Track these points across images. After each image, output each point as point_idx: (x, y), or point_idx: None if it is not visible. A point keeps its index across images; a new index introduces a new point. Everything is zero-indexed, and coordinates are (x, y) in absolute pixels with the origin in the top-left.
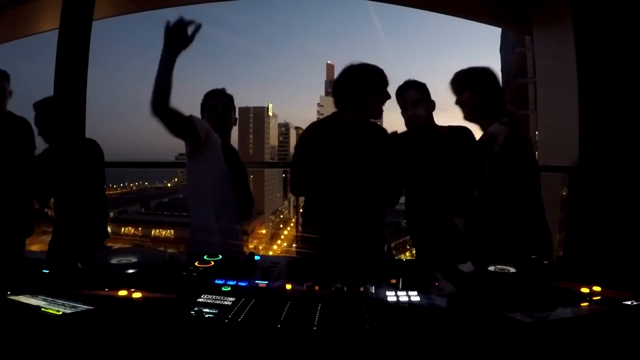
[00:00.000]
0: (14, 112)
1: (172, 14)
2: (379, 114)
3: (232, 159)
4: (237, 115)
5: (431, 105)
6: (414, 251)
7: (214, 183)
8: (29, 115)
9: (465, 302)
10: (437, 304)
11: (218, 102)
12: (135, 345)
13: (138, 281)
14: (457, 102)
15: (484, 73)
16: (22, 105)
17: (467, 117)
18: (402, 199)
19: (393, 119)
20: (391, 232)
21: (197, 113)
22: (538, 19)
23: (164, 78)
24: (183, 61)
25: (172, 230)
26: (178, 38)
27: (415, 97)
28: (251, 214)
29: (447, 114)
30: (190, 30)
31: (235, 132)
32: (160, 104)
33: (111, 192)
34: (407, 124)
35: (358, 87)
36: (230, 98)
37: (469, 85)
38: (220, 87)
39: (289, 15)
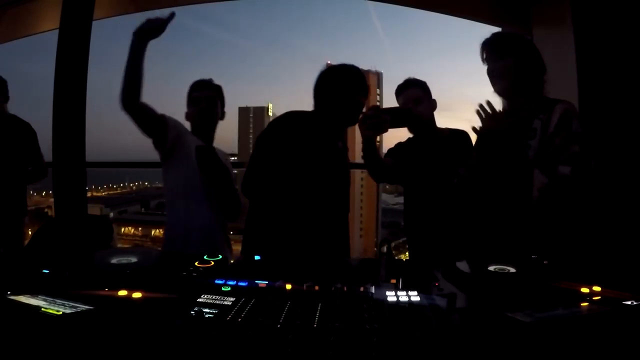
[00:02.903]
0: (17, 115)
1: None
2: (355, 119)
3: (207, 161)
4: (225, 109)
5: (433, 105)
6: (410, 251)
7: (185, 190)
8: (30, 115)
9: (466, 302)
10: (437, 304)
11: (202, 95)
12: (135, 345)
13: (138, 281)
14: (493, 70)
15: (530, 41)
16: (22, 105)
17: (504, 91)
18: (402, 199)
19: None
20: (391, 232)
21: None
22: (538, 19)
23: (134, 69)
24: (183, 61)
25: None
26: (148, 25)
27: (416, 95)
28: (239, 215)
29: (449, 114)
30: (161, 19)
31: (235, 132)
32: (130, 98)
33: (111, 192)
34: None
35: (342, 89)
36: (216, 90)
37: (514, 51)
38: (214, 81)
39: (289, 15)
